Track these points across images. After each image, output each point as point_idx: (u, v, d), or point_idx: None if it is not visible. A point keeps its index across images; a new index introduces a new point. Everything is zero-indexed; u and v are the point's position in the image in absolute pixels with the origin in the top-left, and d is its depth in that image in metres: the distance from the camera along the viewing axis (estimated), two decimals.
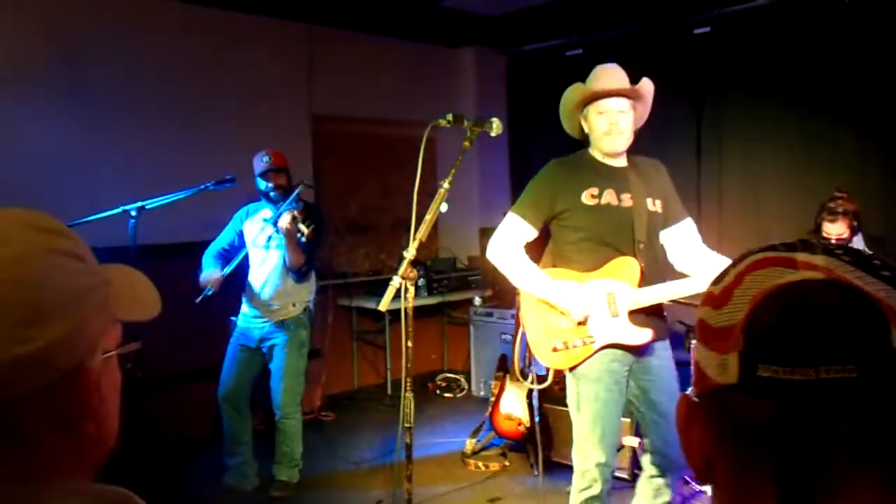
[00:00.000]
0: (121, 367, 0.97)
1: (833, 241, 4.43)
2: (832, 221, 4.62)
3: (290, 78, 6.50)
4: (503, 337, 6.49)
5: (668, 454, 3.29)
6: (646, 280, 3.21)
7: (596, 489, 3.31)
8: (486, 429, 5.48)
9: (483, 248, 7.74)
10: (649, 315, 3.26)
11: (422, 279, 6.83)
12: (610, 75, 3.32)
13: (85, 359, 0.88)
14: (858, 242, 4.80)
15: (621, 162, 3.34)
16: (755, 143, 6.05)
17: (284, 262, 4.57)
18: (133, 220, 4.01)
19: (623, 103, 3.26)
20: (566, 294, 3.25)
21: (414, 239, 2.89)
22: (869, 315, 0.65)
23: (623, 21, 6.64)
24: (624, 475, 4.76)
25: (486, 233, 7.69)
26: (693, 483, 4.56)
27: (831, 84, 5.58)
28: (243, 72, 6.14)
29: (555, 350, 3.28)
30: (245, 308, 4.72)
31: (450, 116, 3.03)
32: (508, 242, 3.38)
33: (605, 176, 3.29)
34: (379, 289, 6.38)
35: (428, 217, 2.92)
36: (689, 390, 0.78)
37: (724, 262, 2.78)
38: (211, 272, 4.57)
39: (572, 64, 7.16)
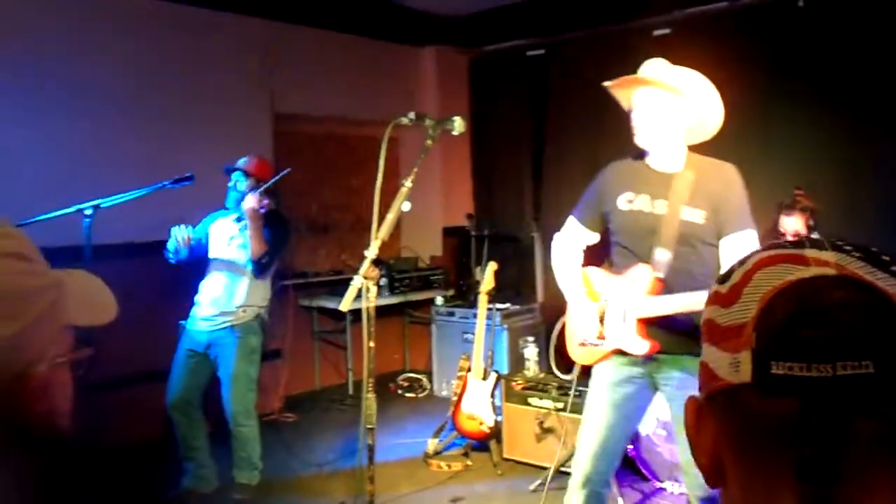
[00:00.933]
0: (73, 373, 0.94)
1: (789, 237, 4.55)
2: (788, 215, 4.72)
3: (251, 76, 6.43)
4: (465, 336, 6.49)
5: (684, 464, 3.21)
6: (668, 290, 3.03)
7: (572, 494, 3.26)
8: (448, 429, 5.47)
9: (445, 248, 7.78)
10: (672, 326, 3.03)
11: (384, 279, 6.80)
12: (647, 65, 3.14)
13: (32, 363, 0.85)
14: None
15: (673, 167, 3.14)
16: (712, 144, 6.09)
17: (246, 262, 4.51)
18: (88, 220, 3.92)
19: (654, 93, 3.07)
20: (575, 298, 3.30)
21: (376, 238, 2.86)
22: (883, 311, 0.65)
23: (584, 22, 6.67)
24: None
25: (448, 232, 7.74)
26: (654, 480, 4.59)
27: (787, 85, 5.68)
28: (204, 69, 6.06)
29: (580, 345, 3.27)
30: (195, 310, 4.60)
31: (412, 115, 3.02)
32: (560, 241, 3.41)
33: (645, 181, 3.16)
34: (340, 288, 6.33)
35: (390, 216, 2.90)
36: (697, 393, 0.77)
37: None
38: (183, 227, 4.41)
39: (534, 64, 7.19)
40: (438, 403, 6.55)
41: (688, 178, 3.08)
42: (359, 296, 2.83)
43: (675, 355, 3.05)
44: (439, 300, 6.99)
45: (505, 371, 5.87)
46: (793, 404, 0.64)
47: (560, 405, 4.88)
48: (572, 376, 3.44)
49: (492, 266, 5.43)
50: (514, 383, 5.24)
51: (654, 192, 3.10)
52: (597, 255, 3.46)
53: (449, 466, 5.21)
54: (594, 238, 3.36)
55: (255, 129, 6.39)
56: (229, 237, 4.57)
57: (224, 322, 4.52)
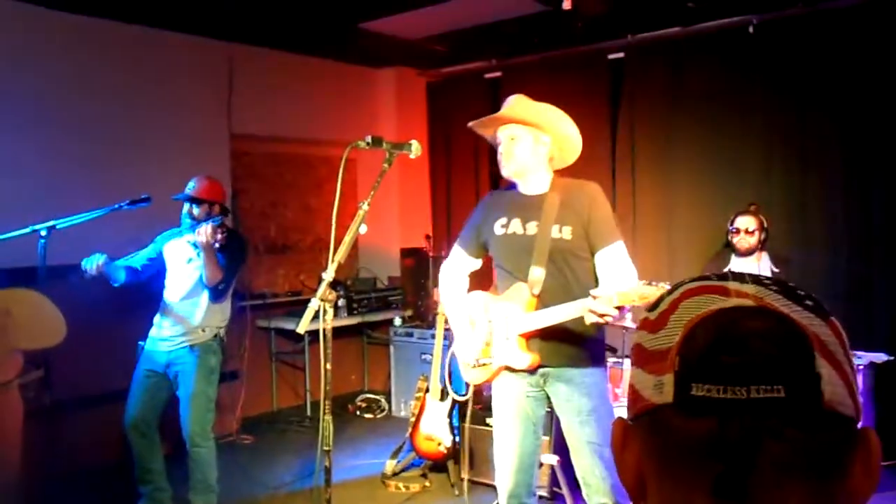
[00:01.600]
0: (23, 397, 0.96)
1: (743, 233, 4.75)
2: (744, 215, 4.98)
3: (209, 96, 6.42)
4: (423, 357, 6.50)
5: (589, 483, 3.34)
6: (544, 305, 3.23)
7: None
8: (406, 449, 5.47)
9: (403, 269, 7.80)
10: (553, 339, 3.24)
11: (342, 299, 6.80)
12: (508, 103, 3.39)
13: None
14: (765, 260, 5.01)
15: (539, 190, 3.36)
16: (667, 168, 6.24)
17: (201, 281, 4.48)
18: (43, 240, 3.89)
19: (514, 130, 3.32)
20: (460, 323, 3.52)
21: (332, 261, 2.89)
22: (795, 340, 0.69)
23: (540, 45, 6.77)
24: (543, 493, 4.81)
25: (406, 253, 7.76)
26: None
27: (738, 110, 5.84)
28: (161, 89, 6.04)
29: (472, 367, 3.44)
30: (154, 331, 4.56)
31: (369, 139, 3.05)
32: (447, 268, 3.65)
33: (516, 206, 3.38)
34: (298, 309, 6.34)
35: (347, 238, 2.93)
36: (622, 415, 0.82)
37: (628, 284, 2.97)
38: (92, 259, 4.27)
39: (491, 86, 7.27)
40: (397, 424, 6.55)
41: (555, 199, 3.30)
42: (316, 317, 2.85)
43: (560, 368, 3.27)
44: (398, 321, 6.99)
45: (462, 391, 5.89)
46: (710, 424, 0.68)
47: None
48: (467, 397, 3.67)
49: None
50: (474, 405, 5.26)
51: (525, 216, 3.32)
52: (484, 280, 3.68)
53: (407, 487, 5.21)
54: (477, 264, 3.61)
55: (212, 149, 6.37)
56: (186, 258, 4.54)
57: (183, 342, 4.47)
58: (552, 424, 4.77)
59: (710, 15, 5.83)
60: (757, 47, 5.69)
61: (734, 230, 5.01)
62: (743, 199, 5.31)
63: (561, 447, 4.73)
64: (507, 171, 3.34)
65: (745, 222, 4.98)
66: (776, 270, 4.94)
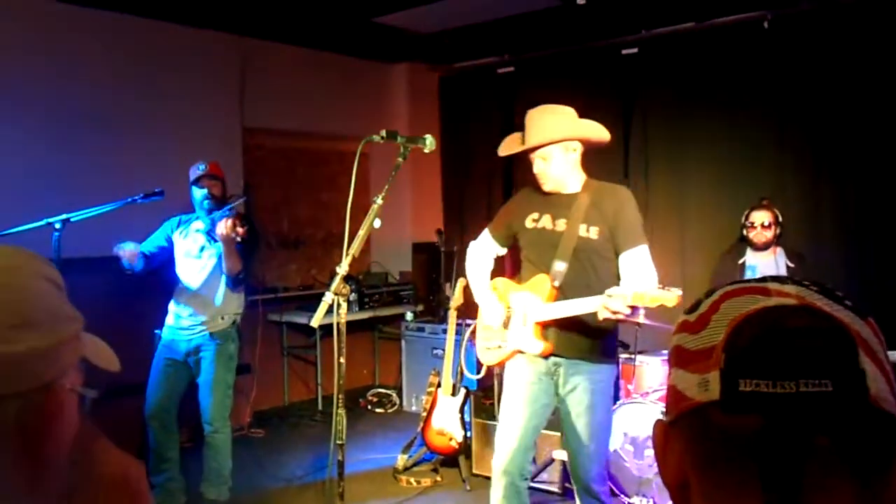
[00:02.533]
0: (79, 408, 1.01)
1: (759, 228, 4.74)
2: (759, 209, 4.97)
3: (222, 91, 6.43)
4: (435, 352, 6.51)
5: (572, 467, 3.60)
6: (563, 297, 3.40)
7: (494, 492, 3.57)
8: (417, 444, 5.47)
9: (415, 264, 7.80)
10: (568, 331, 3.43)
11: (353, 294, 6.80)
12: (533, 125, 3.49)
13: (56, 378, 0.92)
14: (780, 255, 4.99)
15: (571, 189, 3.50)
16: (680, 163, 6.22)
17: (220, 271, 4.51)
18: (57, 233, 3.92)
19: (546, 151, 3.43)
20: (485, 302, 3.68)
21: (346, 255, 2.89)
22: (840, 337, 0.70)
23: (554, 41, 6.75)
24: (555, 489, 4.81)
25: (418, 248, 7.76)
26: (622, 495, 4.63)
27: (752, 105, 5.79)
28: (175, 84, 6.05)
29: (487, 348, 3.66)
30: (171, 320, 4.60)
31: (383, 133, 3.06)
32: (474, 250, 3.84)
33: (548, 203, 3.53)
34: (310, 304, 6.35)
35: (361, 233, 2.94)
36: (662, 416, 0.82)
37: (644, 286, 3.12)
38: (126, 244, 4.40)
39: (504, 81, 7.26)
40: (408, 419, 6.56)
41: (585, 199, 3.45)
42: (329, 311, 2.86)
43: (571, 359, 3.44)
44: (409, 316, 6.99)
45: (474, 387, 5.89)
46: (758, 420, 0.69)
47: None
48: (480, 376, 3.87)
49: (461, 282, 5.44)
50: (483, 399, 5.28)
51: (556, 213, 3.50)
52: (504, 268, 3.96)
53: (418, 482, 5.21)
54: (502, 251, 3.82)
55: (225, 144, 6.38)
56: (199, 247, 4.55)
57: (203, 330, 4.54)
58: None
59: (725, 10, 5.80)
60: (772, 42, 5.64)
61: (749, 224, 4.99)
62: (756, 195, 5.28)
63: None
64: (547, 188, 3.49)
65: (761, 217, 4.97)
66: (791, 265, 4.92)
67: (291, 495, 5.05)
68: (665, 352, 5.12)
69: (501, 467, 3.54)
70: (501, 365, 3.72)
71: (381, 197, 3.02)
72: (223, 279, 4.55)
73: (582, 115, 3.57)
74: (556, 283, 3.42)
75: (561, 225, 3.46)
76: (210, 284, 4.56)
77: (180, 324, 4.56)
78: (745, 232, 5.04)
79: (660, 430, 0.81)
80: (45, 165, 5.26)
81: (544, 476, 4.83)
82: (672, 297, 2.98)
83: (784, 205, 5.21)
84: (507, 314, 3.59)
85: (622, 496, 4.62)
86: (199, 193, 4.54)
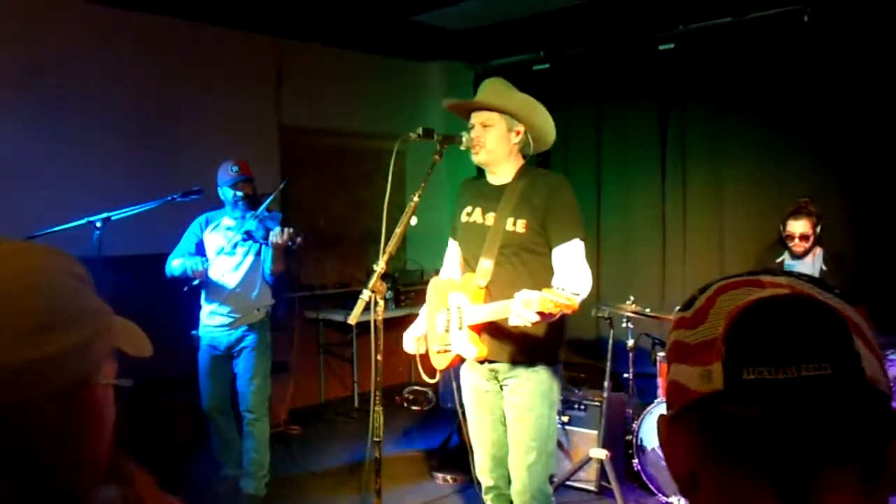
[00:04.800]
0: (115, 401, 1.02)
1: (797, 240, 4.63)
2: (797, 218, 4.83)
3: (259, 90, 6.48)
4: None
5: (512, 478, 3.33)
6: (491, 298, 3.16)
7: (483, 495, 3.47)
8: (453, 441, 5.47)
9: None
10: (501, 334, 3.17)
11: (389, 291, 6.81)
12: (488, 87, 3.34)
13: (90, 374, 0.93)
14: (818, 259, 4.90)
15: (503, 180, 3.32)
16: (718, 160, 6.15)
17: (256, 267, 4.65)
18: (98, 232, 3.98)
19: (489, 118, 3.25)
20: (423, 312, 3.58)
21: (384, 252, 2.90)
22: (834, 322, 0.73)
23: (589, 37, 6.71)
24: (591, 487, 4.79)
25: None
26: (660, 495, 4.59)
27: (792, 101, 5.71)
28: (212, 83, 6.12)
29: (437, 352, 3.43)
30: (209, 319, 4.69)
31: (419, 130, 3.06)
32: (446, 257, 3.68)
33: (481, 195, 3.38)
34: (346, 301, 6.38)
35: (398, 230, 2.94)
36: (661, 410, 0.84)
37: (574, 283, 2.90)
38: (196, 262, 4.54)
39: (540, 78, 7.23)
40: (444, 416, 6.56)
41: (516, 190, 3.25)
42: (366, 309, 2.86)
43: (506, 363, 3.23)
44: None
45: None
46: (762, 407, 0.71)
47: (566, 419, 4.88)
48: (435, 381, 3.58)
49: None
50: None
51: (487, 206, 3.31)
52: None
53: (455, 480, 5.21)
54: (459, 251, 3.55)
55: (262, 143, 6.44)
56: (233, 244, 4.61)
57: (243, 323, 4.69)
58: (601, 418, 4.75)
59: (763, 3, 5.72)
60: (812, 35, 5.55)
61: (787, 235, 4.89)
62: (796, 192, 5.20)
63: (610, 441, 4.72)
64: (477, 158, 3.31)
65: (799, 227, 4.82)
66: (824, 269, 4.82)
67: (328, 491, 5.08)
68: None
69: (485, 483, 3.43)
70: (449, 369, 3.45)
71: (417, 194, 3.02)
72: (259, 274, 4.67)
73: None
74: (482, 283, 3.21)
75: (489, 219, 3.27)
76: (247, 281, 4.66)
77: (219, 321, 4.67)
78: (782, 237, 4.95)
79: (663, 425, 0.83)
80: (86, 165, 5.34)
81: (581, 475, 4.81)
82: (562, 300, 2.64)
83: (825, 203, 5.11)
84: (447, 316, 3.37)
85: (660, 495, 4.58)
86: (231, 194, 4.60)
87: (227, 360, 4.75)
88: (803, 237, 4.83)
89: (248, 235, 4.53)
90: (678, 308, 0.86)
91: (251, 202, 4.60)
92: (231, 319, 4.66)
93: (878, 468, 0.72)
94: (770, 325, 0.73)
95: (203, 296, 4.71)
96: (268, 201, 4.54)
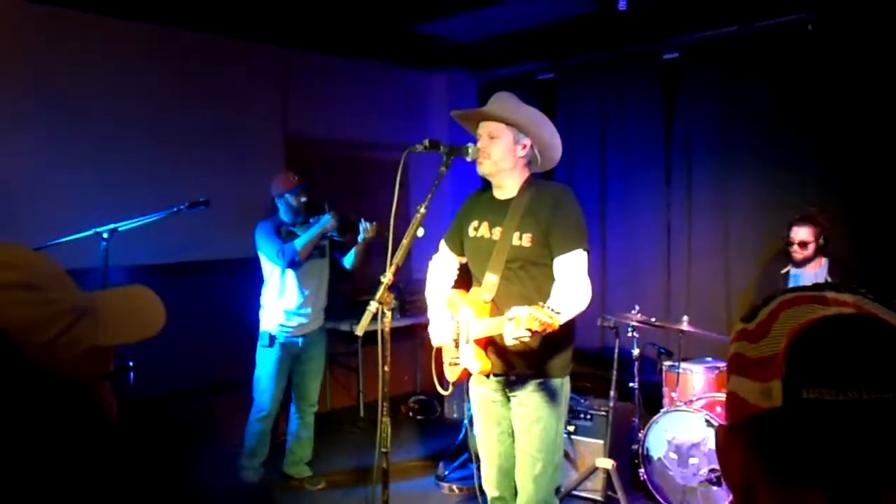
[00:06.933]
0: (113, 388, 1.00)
1: (796, 246, 4.62)
2: (800, 225, 4.83)
3: (264, 100, 6.50)
4: None
5: (518, 490, 3.34)
6: (498, 312, 3.15)
7: None
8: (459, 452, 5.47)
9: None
10: (504, 349, 3.12)
11: (395, 301, 6.82)
12: (498, 100, 3.34)
13: (94, 378, 0.95)
14: (823, 269, 4.89)
15: (509, 194, 3.32)
16: (723, 169, 6.14)
17: (328, 270, 5.05)
18: (105, 242, 4.00)
19: (495, 128, 3.26)
20: (432, 318, 3.54)
21: (391, 264, 2.90)
22: None
23: (594, 46, 6.72)
24: (597, 496, 4.77)
25: None
26: None
27: (797, 109, 5.70)
28: (218, 94, 6.14)
29: (449, 364, 3.43)
30: (289, 321, 4.90)
31: (426, 142, 3.07)
32: (433, 264, 3.70)
33: (488, 209, 3.38)
34: (352, 312, 6.38)
35: (405, 241, 2.94)
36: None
37: (566, 297, 2.93)
38: (315, 225, 4.84)
39: (544, 88, 7.25)
40: (450, 426, 6.55)
41: (521, 203, 3.25)
42: (373, 319, 2.87)
43: (512, 377, 3.25)
44: None
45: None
46: (822, 427, 0.71)
47: (572, 428, 4.88)
48: (448, 392, 3.53)
49: None
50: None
51: (494, 220, 3.32)
52: None
53: (461, 489, 5.21)
54: (462, 261, 3.61)
55: (268, 153, 6.45)
56: (324, 245, 5.03)
57: (315, 325, 5.04)
58: (607, 428, 4.74)
59: (768, 13, 5.72)
60: (816, 45, 5.55)
61: (789, 242, 4.90)
62: (801, 202, 5.20)
63: (616, 451, 4.72)
64: (482, 169, 3.30)
65: (799, 234, 4.84)
66: (829, 280, 4.80)
67: (335, 500, 5.07)
68: (709, 359, 5.07)
69: (491, 494, 3.44)
70: (460, 381, 3.44)
71: (424, 206, 3.03)
72: (326, 274, 5.07)
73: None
74: (488, 297, 3.23)
75: (496, 233, 3.27)
76: (322, 285, 5.03)
77: (297, 322, 4.93)
78: (786, 245, 4.96)
79: (722, 435, 0.84)
80: (93, 176, 5.36)
81: (587, 485, 4.80)
82: (545, 318, 2.63)
83: (830, 212, 5.10)
84: (456, 329, 3.38)
85: None
86: (297, 202, 4.92)
87: (291, 361, 5.00)
88: (802, 244, 4.84)
89: (340, 235, 4.90)
90: (741, 318, 0.86)
91: (313, 208, 4.93)
92: (309, 321, 4.95)
93: None
94: (832, 346, 0.73)
95: (279, 298, 4.87)
96: (361, 220, 4.93)
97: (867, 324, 0.74)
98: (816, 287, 0.81)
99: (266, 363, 4.91)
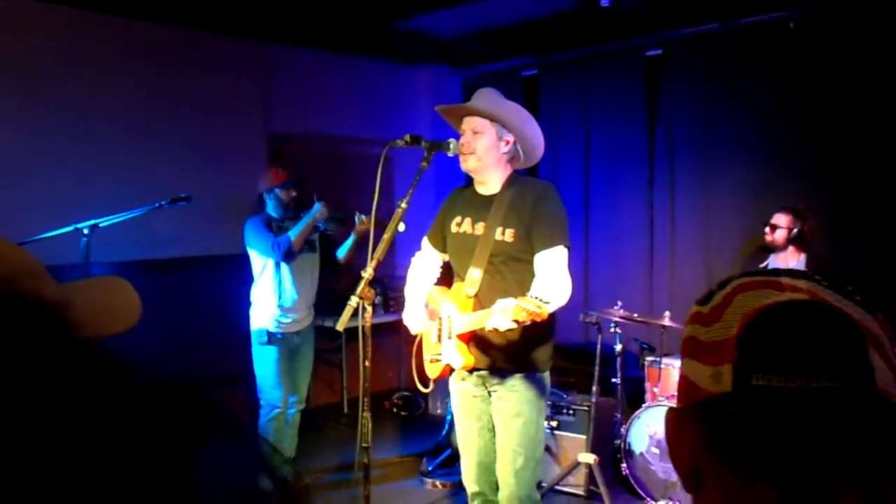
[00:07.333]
0: None
1: (767, 229, 4.64)
2: (781, 212, 4.93)
3: (246, 96, 6.47)
4: None
5: (500, 484, 3.35)
6: (482, 306, 3.16)
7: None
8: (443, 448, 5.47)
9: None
10: (487, 343, 3.21)
11: (379, 297, 6.81)
12: (481, 95, 3.35)
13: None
14: (801, 264, 4.92)
15: (492, 190, 3.34)
16: (706, 166, 6.16)
17: (316, 266, 5.02)
18: (85, 239, 3.97)
19: (478, 123, 3.26)
20: (408, 314, 3.53)
21: (372, 258, 2.90)
22: (850, 334, 0.72)
23: (577, 42, 6.73)
24: (580, 492, 4.80)
25: None
26: (648, 499, 4.60)
27: (779, 107, 5.72)
28: (200, 89, 6.10)
29: (430, 361, 3.45)
30: (287, 317, 4.88)
31: (407, 137, 3.07)
32: (415, 261, 3.70)
33: (471, 205, 3.39)
34: (336, 307, 6.37)
35: (385, 236, 2.95)
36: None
37: (548, 290, 2.91)
38: (306, 216, 4.79)
39: (528, 84, 7.25)
40: (433, 422, 6.56)
41: (505, 199, 3.26)
42: (355, 315, 2.87)
43: (493, 371, 3.26)
44: None
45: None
46: (769, 413, 0.71)
47: (554, 424, 4.89)
48: (428, 390, 3.55)
49: None
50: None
51: (476, 216, 3.32)
52: None
53: (444, 485, 5.21)
54: (444, 258, 3.61)
55: (250, 149, 6.42)
56: (314, 239, 5.02)
57: (310, 319, 5.05)
58: (589, 423, 4.76)
59: (750, 10, 5.75)
60: (798, 43, 5.58)
61: (765, 223, 4.96)
62: (783, 200, 5.21)
63: (599, 446, 4.74)
64: (465, 165, 3.30)
65: (775, 218, 4.90)
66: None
67: (317, 498, 5.07)
68: None
69: (471, 489, 3.45)
70: (443, 378, 3.47)
71: (405, 201, 3.03)
72: (318, 274, 5.05)
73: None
74: (471, 292, 3.24)
75: (479, 229, 3.29)
76: (314, 281, 5.02)
77: (294, 326, 4.92)
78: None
79: (671, 419, 0.84)
80: (73, 172, 5.32)
81: (570, 480, 4.82)
82: (533, 307, 2.70)
83: (812, 211, 5.12)
84: (438, 325, 3.40)
85: (648, 500, 4.60)
86: (287, 196, 4.89)
87: (291, 355, 4.99)
88: (773, 227, 4.88)
89: (331, 228, 4.93)
90: (696, 301, 0.86)
91: (301, 204, 4.92)
92: (303, 317, 4.96)
93: (887, 482, 0.72)
94: (783, 333, 0.72)
95: (276, 295, 4.84)
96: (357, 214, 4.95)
97: (819, 311, 0.73)
98: (773, 272, 0.81)
99: (268, 362, 4.86)
